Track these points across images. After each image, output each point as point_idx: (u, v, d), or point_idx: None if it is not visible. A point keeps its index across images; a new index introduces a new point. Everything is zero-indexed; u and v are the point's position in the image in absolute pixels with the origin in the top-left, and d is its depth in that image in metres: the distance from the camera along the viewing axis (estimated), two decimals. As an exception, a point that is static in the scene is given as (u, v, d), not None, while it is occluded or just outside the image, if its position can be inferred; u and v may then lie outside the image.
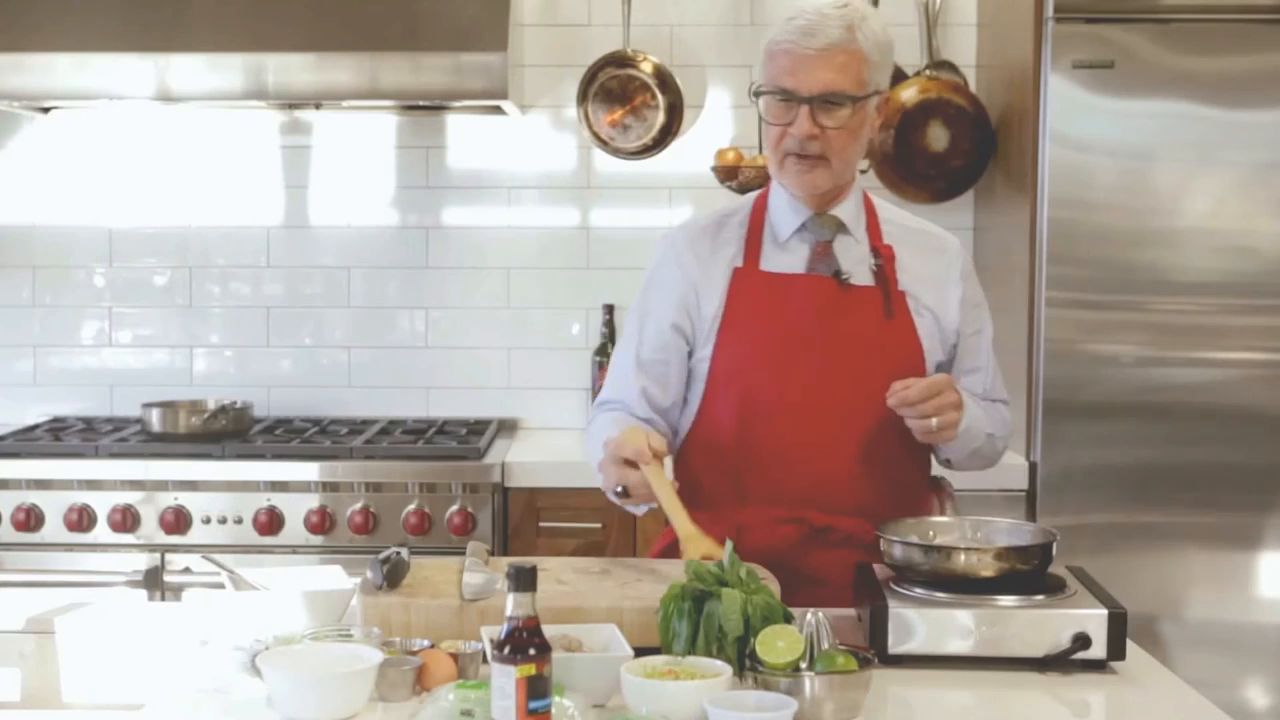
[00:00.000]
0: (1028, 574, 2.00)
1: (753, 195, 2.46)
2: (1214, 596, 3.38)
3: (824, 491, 2.29)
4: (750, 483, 2.31)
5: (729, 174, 3.81)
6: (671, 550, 2.28)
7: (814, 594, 2.12)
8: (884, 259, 2.35)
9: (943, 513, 2.24)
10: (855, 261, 2.35)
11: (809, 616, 1.77)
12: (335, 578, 2.16)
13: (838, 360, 2.29)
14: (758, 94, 2.29)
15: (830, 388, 2.29)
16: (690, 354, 2.38)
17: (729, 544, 1.93)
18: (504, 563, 2.04)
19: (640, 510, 2.31)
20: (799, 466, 2.29)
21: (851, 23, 2.22)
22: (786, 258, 2.36)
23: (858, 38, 2.22)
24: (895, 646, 1.93)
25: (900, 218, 2.45)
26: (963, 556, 1.99)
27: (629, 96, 3.90)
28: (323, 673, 1.74)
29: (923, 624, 1.93)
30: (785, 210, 2.37)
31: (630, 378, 2.39)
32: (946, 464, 2.44)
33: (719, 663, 1.75)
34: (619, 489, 2.18)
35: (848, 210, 2.37)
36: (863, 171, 3.86)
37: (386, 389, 4.04)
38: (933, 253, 2.41)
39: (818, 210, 2.35)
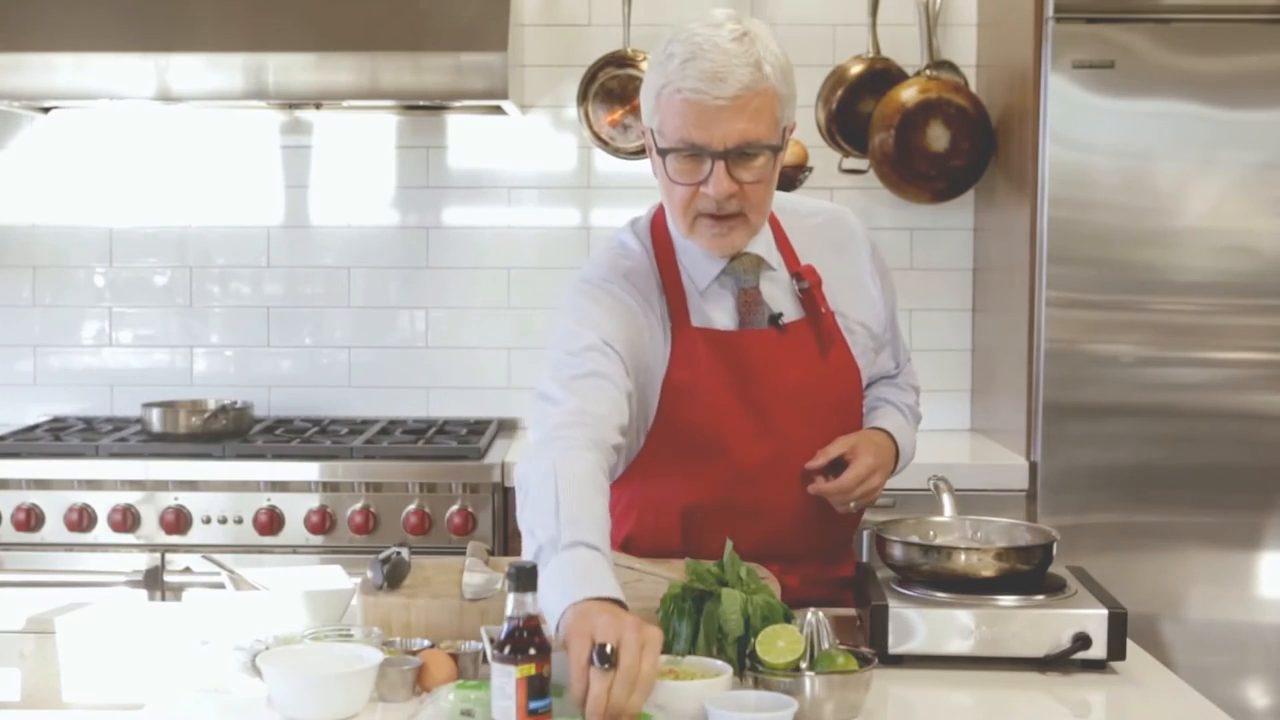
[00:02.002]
0: (1028, 574, 2.00)
1: (640, 239, 2.22)
2: (1214, 596, 3.38)
3: (775, 545, 2.20)
4: (700, 539, 2.19)
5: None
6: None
7: None
8: (811, 284, 2.21)
9: (942, 508, 2.23)
10: (780, 292, 2.22)
11: (809, 616, 1.77)
12: (335, 578, 2.16)
13: (783, 414, 2.19)
14: (661, 153, 2.04)
15: (778, 444, 2.19)
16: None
17: (729, 544, 1.92)
18: (504, 563, 2.04)
19: None
20: (751, 526, 2.17)
21: (758, 58, 1.98)
22: (714, 308, 2.19)
23: (766, 73, 1.99)
24: (895, 646, 1.93)
25: (795, 215, 2.28)
26: (963, 556, 1.99)
27: (629, 96, 3.89)
28: (323, 673, 1.74)
29: (923, 624, 1.93)
30: (699, 258, 2.17)
31: (618, 408, 2.04)
32: None
33: (719, 663, 1.75)
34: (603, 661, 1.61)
35: (760, 244, 2.19)
36: (861, 172, 3.87)
37: (386, 389, 4.04)
38: (840, 246, 2.29)
39: (734, 255, 2.17)
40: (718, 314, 2.19)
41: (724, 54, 1.97)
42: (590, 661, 1.58)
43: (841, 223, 2.33)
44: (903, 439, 2.32)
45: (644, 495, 2.23)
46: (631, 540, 2.25)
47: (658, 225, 2.23)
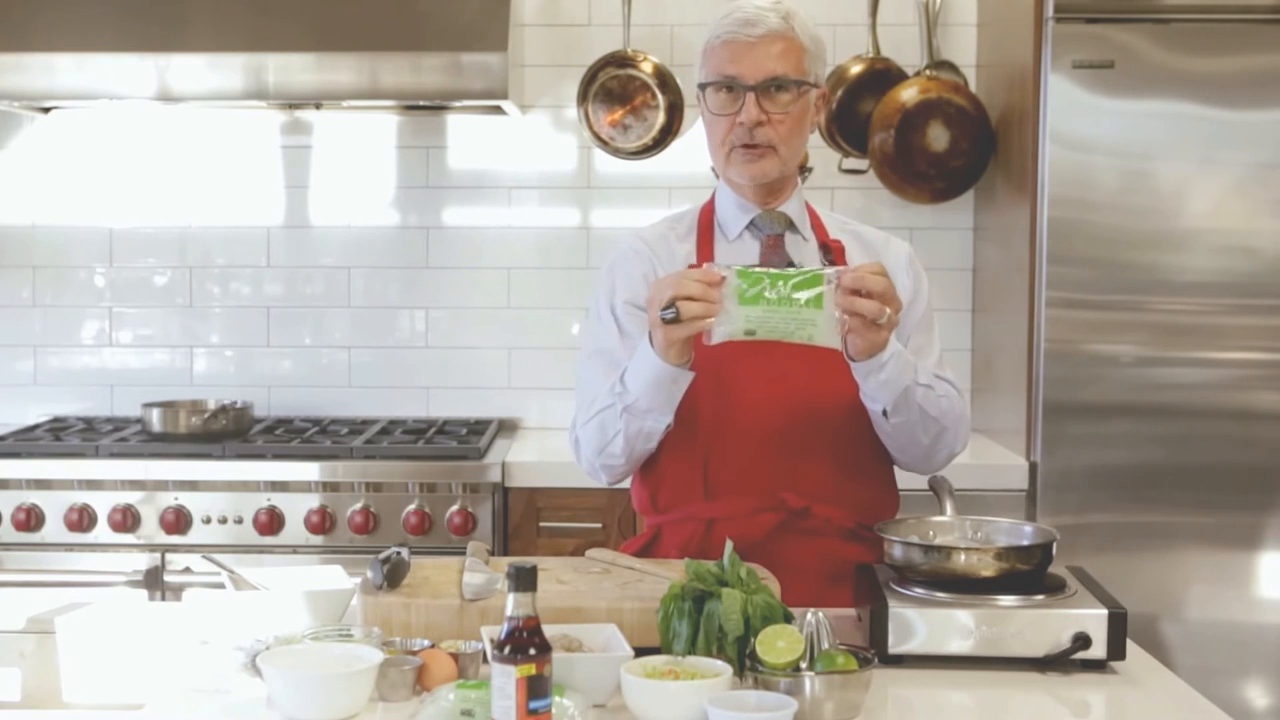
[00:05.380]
0: (1028, 574, 2.00)
1: (698, 204, 2.47)
2: (1214, 596, 3.38)
3: (795, 479, 2.29)
4: (719, 476, 2.30)
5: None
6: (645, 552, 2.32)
7: (791, 584, 2.10)
8: (834, 252, 2.38)
9: (942, 508, 2.23)
10: (806, 257, 2.37)
11: (809, 616, 1.77)
12: (335, 578, 2.16)
13: (798, 349, 2.21)
14: (702, 87, 2.32)
15: (793, 377, 2.28)
16: None
17: (729, 544, 1.93)
18: (504, 563, 2.04)
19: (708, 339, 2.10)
20: (769, 456, 2.28)
21: (787, 14, 2.31)
22: (738, 254, 2.37)
23: (794, 27, 2.30)
24: (895, 646, 1.93)
25: (842, 221, 2.49)
26: (963, 556, 1.99)
27: (629, 96, 3.90)
28: (323, 673, 1.74)
29: (923, 624, 1.93)
30: (732, 209, 2.39)
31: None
32: (884, 418, 2.29)
33: (719, 663, 1.75)
34: (668, 312, 2.05)
35: (793, 208, 2.40)
36: (861, 172, 3.87)
37: (386, 389, 4.04)
38: (874, 245, 2.44)
39: (764, 206, 2.38)
40: (740, 258, 2.34)
41: (757, 8, 2.31)
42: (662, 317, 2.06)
43: (886, 235, 2.49)
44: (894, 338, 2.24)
45: (668, 434, 2.28)
46: (660, 482, 2.33)
47: (712, 197, 2.47)
